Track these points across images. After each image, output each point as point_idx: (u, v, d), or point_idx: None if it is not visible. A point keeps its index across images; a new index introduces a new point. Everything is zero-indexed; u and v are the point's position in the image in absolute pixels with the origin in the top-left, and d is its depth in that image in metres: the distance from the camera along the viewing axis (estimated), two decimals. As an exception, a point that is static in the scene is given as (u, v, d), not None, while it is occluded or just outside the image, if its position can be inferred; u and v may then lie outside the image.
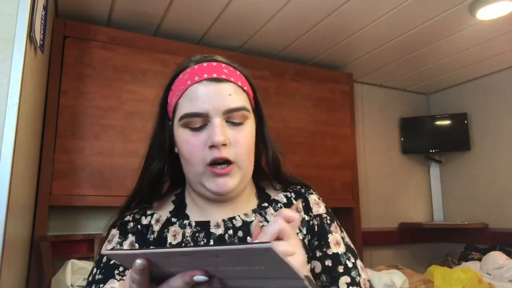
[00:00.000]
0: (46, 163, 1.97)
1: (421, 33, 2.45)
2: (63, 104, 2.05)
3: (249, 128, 0.67)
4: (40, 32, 1.41)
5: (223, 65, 0.69)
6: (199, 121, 0.64)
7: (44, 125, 1.99)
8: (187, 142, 0.65)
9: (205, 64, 0.68)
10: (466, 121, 3.24)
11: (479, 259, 2.57)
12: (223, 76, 0.66)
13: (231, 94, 0.65)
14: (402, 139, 3.44)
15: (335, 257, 0.68)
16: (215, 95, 0.64)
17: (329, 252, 0.68)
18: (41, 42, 1.48)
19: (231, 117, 0.65)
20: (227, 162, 0.63)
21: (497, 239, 2.88)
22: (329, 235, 0.70)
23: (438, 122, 3.40)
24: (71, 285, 1.70)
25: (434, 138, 3.38)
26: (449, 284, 2.02)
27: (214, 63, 0.68)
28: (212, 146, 0.62)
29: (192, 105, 0.64)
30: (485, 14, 2.17)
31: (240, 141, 0.65)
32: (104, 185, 2.07)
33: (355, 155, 2.92)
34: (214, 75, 0.66)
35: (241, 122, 0.66)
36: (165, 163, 0.72)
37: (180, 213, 0.71)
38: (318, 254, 0.68)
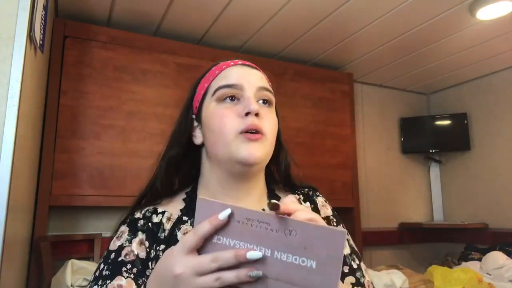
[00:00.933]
0: (46, 163, 1.97)
1: (421, 33, 2.45)
2: (63, 104, 2.05)
3: (275, 114, 0.72)
4: (40, 32, 1.41)
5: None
6: (233, 92, 0.68)
7: (44, 125, 1.99)
8: (220, 115, 0.67)
9: (236, 59, 0.75)
10: (466, 121, 3.24)
11: (479, 259, 2.57)
12: (254, 66, 0.74)
13: (262, 78, 0.72)
14: (402, 139, 3.44)
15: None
16: (249, 74, 0.70)
17: None
18: (41, 42, 1.48)
19: (262, 95, 0.69)
20: (258, 132, 0.66)
21: (497, 239, 2.88)
22: None
23: (438, 122, 3.40)
24: (71, 285, 1.70)
25: (434, 138, 3.38)
26: (449, 284, 2.02)
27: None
28: (248, 113, 0.65)
29: (227, 79, 0.69)
30: (485, 14, 2.17)
31: (270, 119, 0.69)
32: (104, 185, 2.07)
33: (355, 155, 2.92)
34: (248, 63, 0.73)
35: (271, 103, 0.71)
36: (181, 152, 0.73)
37: (191, 211, 0.71)
38: None
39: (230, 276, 0.45)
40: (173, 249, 0.49)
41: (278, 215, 0.45)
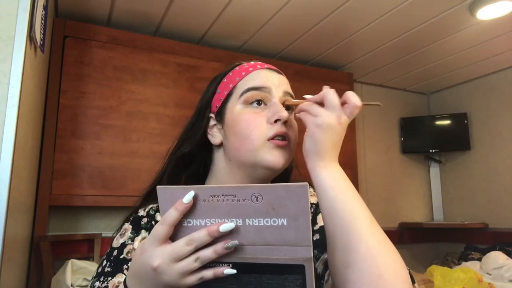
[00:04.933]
0: (46, 163, 1.97)
1: (421, 33, 2.45)
2: (63, 104, 2.05)
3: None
4: (40, 32, 1.41)
5: None
6: (261, 96, 0.67)
7: (44, 125, 1.99)
8: (248, 120, 0.66)
9: (260, 62, 0.74)
10: (466, 121, 3.24)
11: (479, 259, 2.57)
12: (279, 71, 0.74)
13: (287, 83, 0.73)
14: (402, 139, 3.44)
15: (322, 229, 0.68)
16: (277, 78, 0.71)
17: (316, 227, 0.69)
18: (41, 42, 1.48)
19: (288, 101, 0.70)
20: (285, 139, 0.66)
21: (497, 239, 2.88)
22: (319, 215, 0.71)
23: (438, 122, 3.40)
24: (71, 285, 1.70)
25: (434, 138, 3.38)
26: (449, 284, 2.02)
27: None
28: (277, 120, 0.65)
29: (255, 82, 0.68)
30: (485, 14, 2.17)
31: (294, 126, 0.69)
32: (104, 185, 2.07)
33: (355, 155, 2.92)
34: (273, 68, 0.73)
35: (293, 109, 0.71)
36: (194, 150, 0.73)
37: None
38: None
39: (207, 253, 0.46)
40: (144, 244, 0.48)
41: (239, 186, 0.46)
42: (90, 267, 1.85)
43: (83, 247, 2.13)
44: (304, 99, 0.63)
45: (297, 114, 0.63)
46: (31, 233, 1.90)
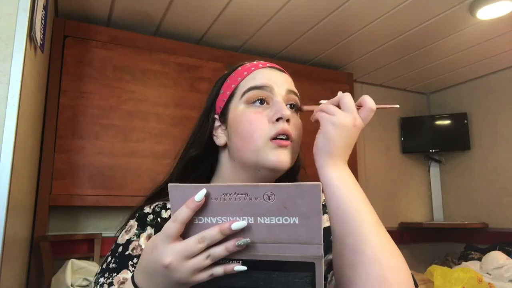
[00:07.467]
0: (46, 163, 1.97)
1: (421, 33, 2.45)
2: (63, 104, 2.05)
3: (299, 118, 0.71)
4: (40, 32, 1.41)
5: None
6: (263, 95, 0.67)
7: (44, 125, 1.99)
8: (250, 120, 0.66)
9: (262, 61, 0.74)
10: (466, 121, 3.24)
11: (479, 259, 2.57)
12: (282, 69, 0.73)
13: (291, 81, 0.72)
14: (402, 139, 3.44)
15: (326, 230, 0.68)
16: (279, 76, 0.70)
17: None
18: (41, 42, 1.48)
19: (290, 99, 0.69)
20: (287, 138, 0.66)
21: (497, 239, 2.88)
22: (324, 216, 0.71)
23: (438, 122, 3.40)
24: (71, 285, 1.70)
25: (434, 138, 3.38)
26: (449, 284, 2.02)
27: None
28: (279, 119, 0.64)
29: (257, 81, 0.68)
30: (485, 14, 2.17)
31: (297, 125, 0.68)
32: (104, 185, 2.07)
33: (355, 155, 2.92)
34: (276, 66, 0.73)
35: (297, 108, 0.70)
36: (202, 152, 0.73)
37: None
38: None
39: (219, 250, 0.46)
40: (155, 241, 0.49)
41: (252, 184, 0.46)
42: (90, 267, 1.85)
43: (83, 247, 2.13)
44: (319, 104, 0.64)
45: (312, 119, 0.63)
46: (31, 233, 1.90)
